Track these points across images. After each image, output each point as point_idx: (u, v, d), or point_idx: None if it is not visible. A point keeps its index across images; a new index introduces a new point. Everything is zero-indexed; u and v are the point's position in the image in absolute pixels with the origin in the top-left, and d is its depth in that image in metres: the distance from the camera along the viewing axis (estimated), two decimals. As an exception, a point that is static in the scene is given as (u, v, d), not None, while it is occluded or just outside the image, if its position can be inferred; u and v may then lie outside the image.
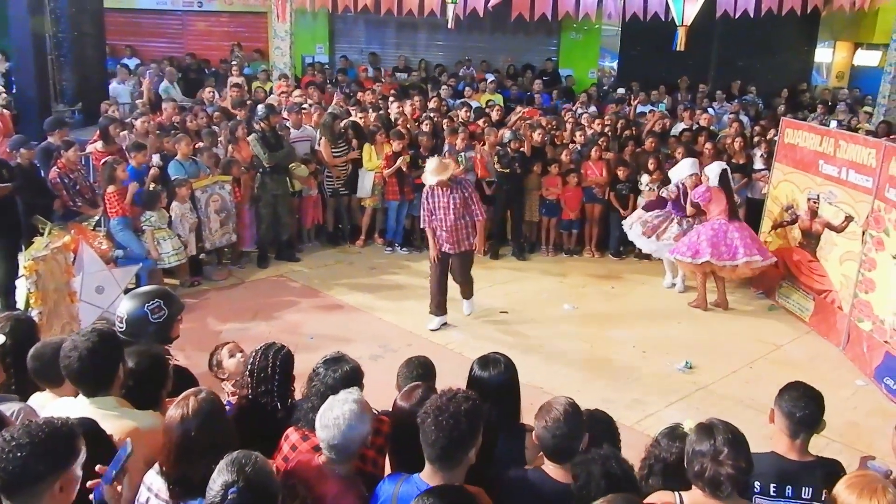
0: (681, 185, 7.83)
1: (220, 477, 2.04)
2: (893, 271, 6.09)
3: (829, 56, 16.51)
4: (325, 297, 7.61)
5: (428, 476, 2.37)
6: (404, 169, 8.67)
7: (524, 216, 9.11)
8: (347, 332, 6.71)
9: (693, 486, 2.39)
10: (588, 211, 9.19)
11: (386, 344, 6.40)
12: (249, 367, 3.04)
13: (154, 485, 2.44)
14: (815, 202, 7.33)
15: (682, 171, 7.88)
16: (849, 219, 6.82)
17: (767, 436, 2.93)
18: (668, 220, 8.03)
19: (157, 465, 2.46)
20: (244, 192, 8.18)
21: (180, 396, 2.48)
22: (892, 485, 2.33)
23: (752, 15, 11.87)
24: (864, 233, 6.53)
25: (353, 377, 2.85)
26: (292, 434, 2.81)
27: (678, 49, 8.66)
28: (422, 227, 6.99)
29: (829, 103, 12.78)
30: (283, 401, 3.02)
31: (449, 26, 10.23)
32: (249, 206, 8.31)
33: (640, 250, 8.81)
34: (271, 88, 11.18)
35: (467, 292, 7.10)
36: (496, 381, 2.98)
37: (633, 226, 8.26)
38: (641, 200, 8.77)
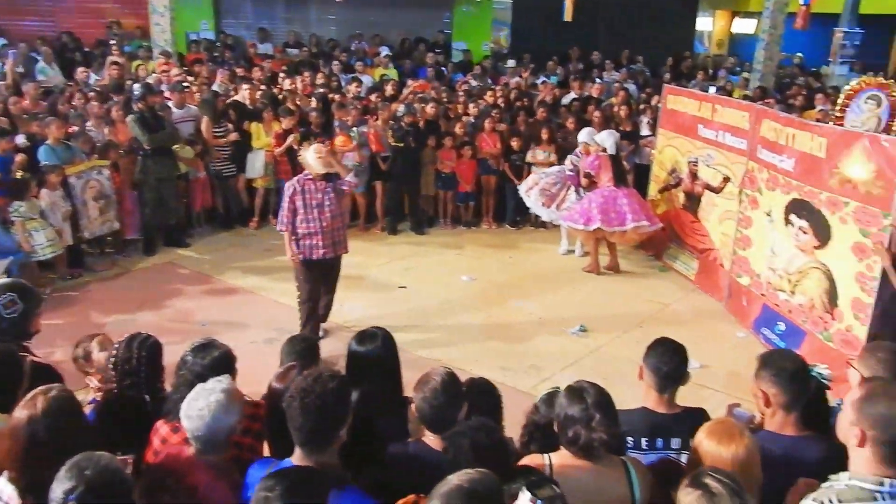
0: (579, 154, 7.98)
1: (59, 485, 1.92)
2: (767, 227, 6.42)
3: (709, 25, 17.21)
4: (217, 281, 7.36)
5: (299, 460, 2.29)
6: (295, 147, 8.44)
7: (420, 190, 9.08)
8: (241, 316, 6.52)
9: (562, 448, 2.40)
10: (484, 183, 9.26)
11: (281, 327, 6.19)
12: (113, 359, 2.87)
13: (4, 492, 2.27)
14: (694, 164, 7.63)
15: (578, 139, 8.03)
16: (726, 180, 7.14)
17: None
18: (565, 188, 8.19)
19: (6, 472, 2.29)
20: (124, 176, 7.76)
21: (28, 395, 2.31)
22: (750, 430, 2.44)
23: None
24: (740, 192, 6.86)
25: (224, 363, 2.72)
26: (162, 427, 2.67)
27: (566, 19, 8.80)
28: (279, 229, 5.83)
29: (710, 70, 13.30)
30: (152, 393, 2.88)
31: (338, -1, 10.00)
32: (132, 191, 7.89)
33: (537, 219, 8.97)
34: (154, 68, 10.61)
35: (325, 314, 6.26)
36: (373, 356, 2.95)
37: (531, 193, 8.36)
38: (535, 170, 8.91)
